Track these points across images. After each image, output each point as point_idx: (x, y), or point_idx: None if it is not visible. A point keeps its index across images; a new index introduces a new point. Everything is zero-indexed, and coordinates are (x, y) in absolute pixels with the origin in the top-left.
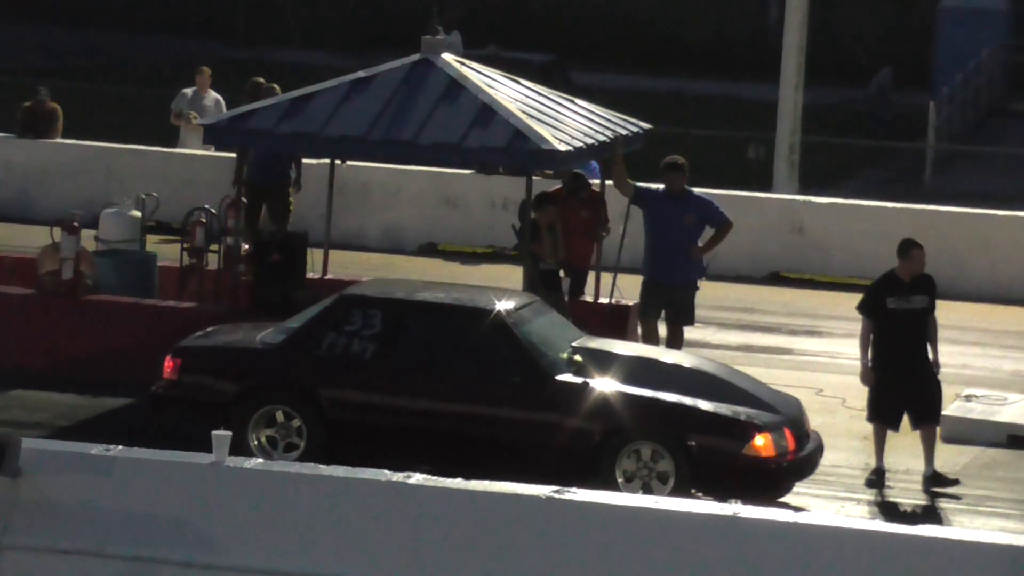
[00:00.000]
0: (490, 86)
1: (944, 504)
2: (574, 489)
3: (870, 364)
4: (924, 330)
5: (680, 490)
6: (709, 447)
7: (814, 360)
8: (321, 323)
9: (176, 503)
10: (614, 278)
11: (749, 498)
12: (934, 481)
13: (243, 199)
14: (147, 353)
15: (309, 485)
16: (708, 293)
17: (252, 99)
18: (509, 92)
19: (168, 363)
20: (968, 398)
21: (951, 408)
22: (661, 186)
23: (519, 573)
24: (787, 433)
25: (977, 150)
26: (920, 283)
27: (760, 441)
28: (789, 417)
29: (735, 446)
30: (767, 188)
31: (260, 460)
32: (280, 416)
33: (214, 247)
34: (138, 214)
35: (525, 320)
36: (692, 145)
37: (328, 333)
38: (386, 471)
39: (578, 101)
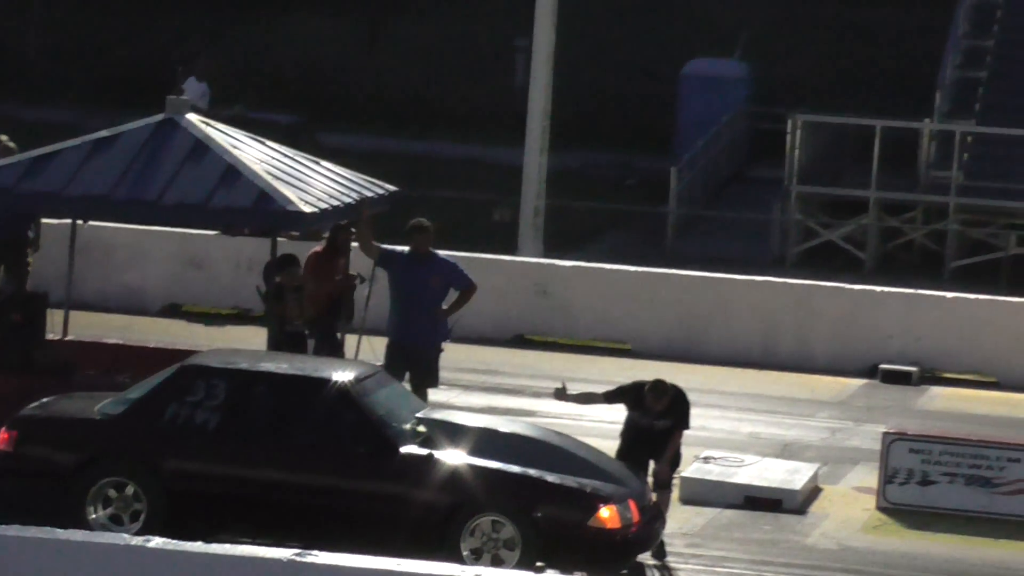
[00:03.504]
0: (235, 147)
1: (682, 565)
2: (316, 552)
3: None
4: (664, 442)
5: (526, 561)
6: (555, 518)
7: (557, 423)
8: (162, 393)
9: None
10: (359, 340)
11: (594, 569)
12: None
13: None
14: None
15: (40, 548)
16: (452, 355)
17: None
18: (255, 153)
19: (3, 434)
20: (706, 460)
21: (689, 470)
22: (407, 248)
23: None
24: (631, 505)
25: (718, 215)
26: (669, 412)
27: (606, 513)
28: (633, 489)
29: (581, 517)
30: (512, 251)
31: None
32: (117, 490)
33: None
34: None
35: (369, 391)
36: (438, 207)
37: (170, 403)
38: (125, 535)
39: (324, 163)
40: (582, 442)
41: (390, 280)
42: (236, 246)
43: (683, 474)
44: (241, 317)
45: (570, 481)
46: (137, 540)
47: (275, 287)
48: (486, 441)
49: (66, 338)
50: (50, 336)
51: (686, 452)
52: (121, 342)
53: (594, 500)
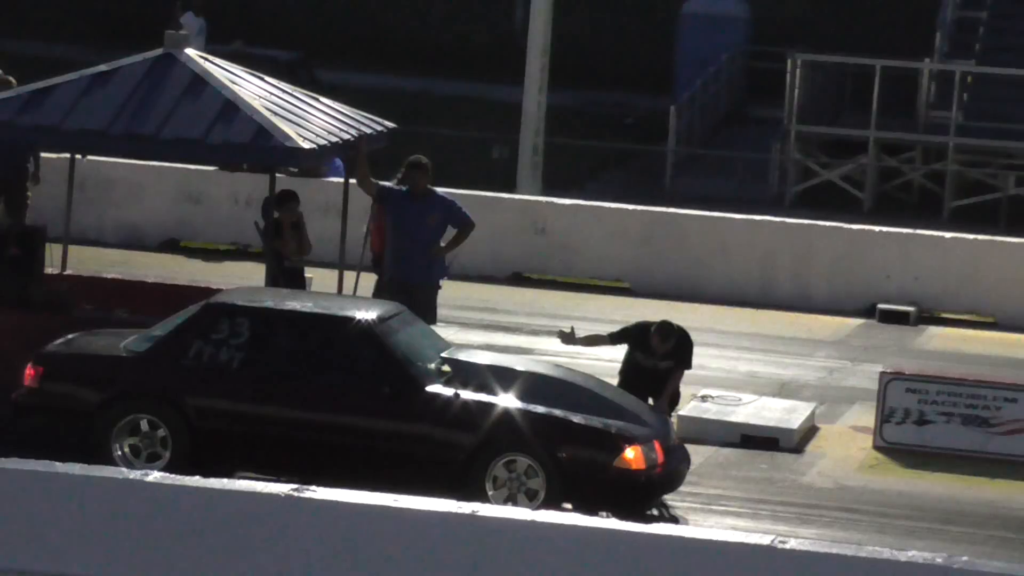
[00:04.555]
0: (234, 82)
1: (678, 503)
2: (314, 487)
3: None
4: (664, 380)
5: (550, 502)
6: (580, 459)
7: (555, 360)
8: (187, 331)
9: None
10: (357, 276)
11: (618, 510)
12: None
13: None
14: None
15: (43, 482)
16: (450, 292)
17: None
18: (253, 89)
19: (29, 370)
20: (703, 398)
21: (687, 408)
22: (404, 185)
23: (258, 568)
24: (656, 446)
25: (717, 154)
26: (673, 353)
27: (630, 454)
28: (658, 430)
29: (605, 458)
30: (511, 189)
31: None
32: (144, 425)
33: None
34: None
35: (394, 330)
36: (437, 145)
37: (195, 341)
38: (124, 469)
39: (323, 99)
40: (607, 383)
41: (387, 217)
42: (234, 181)
43: (680, 412)
44: (239, 252)
45: (595, 421)
46: (136, 474)
47: (273, 223)
48: (510, 381)
49: (64, 272)
50: (48, 270)
51: (684, 390)
52: (120, 277)
53: (619, 441)
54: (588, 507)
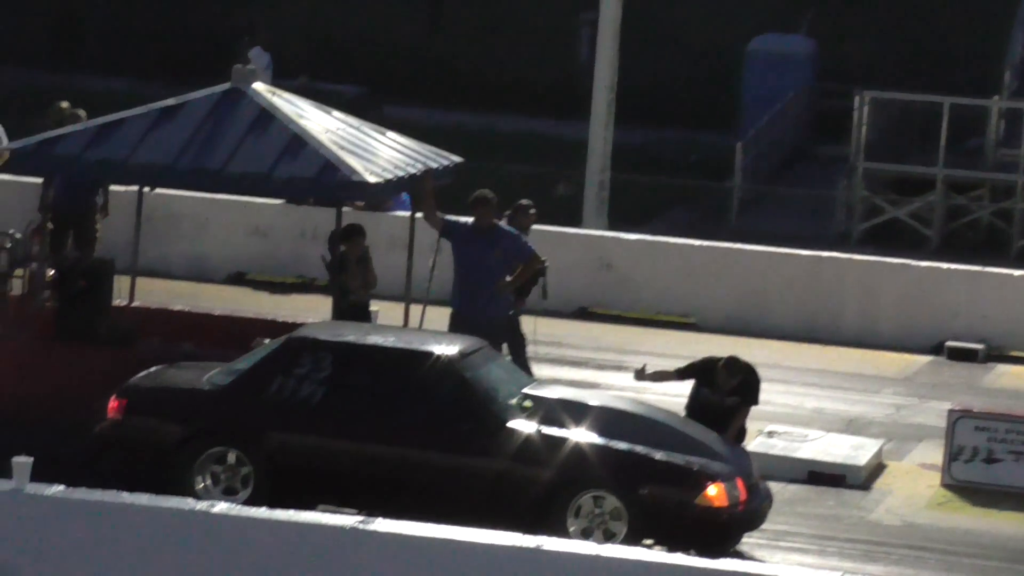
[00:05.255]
0: (301, 116)
1: (745, 539)
2: (380, 519)
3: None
4: (731, 417)
5: (631, 539)
6: (662, 496)
7: (621, 395)
8: (269, 365)
9: None
10: (423, 310)
11: (700, 549)
12: None
13: (49, 225)
14: None
15: (110, 513)
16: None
17: (56, 125)
18: (320, 123)
19: (113, 403)
20: (770, 434)
21: (753, 444)
22: (469, 220)
23: None
24: (739, 483)
25: (782, 191)
26: (740, 389)
27: (713, 491)
28: (740, 467)
29: (688, 496)
30: (576, 224)
31: (61, 487)
32: (225, 460)
33: (18, 273)
34: None
35: (476, 365)
36: (502, 180)
37: (276, 376)
38: (190, 500)
39: (389, 133)
40: (688, 419)
41: (453, 252)
42: (301, 215)
43: (747, 449)
44: (305, 286)
45: (677, 458)
46: (202, 505)
47: (339, 257)
48: (592, 417)
49: (132, 304)
50: (116, 303)
51: (750, 426)
52: (186, 309)
53: (701, 478)
54: (670, 545)
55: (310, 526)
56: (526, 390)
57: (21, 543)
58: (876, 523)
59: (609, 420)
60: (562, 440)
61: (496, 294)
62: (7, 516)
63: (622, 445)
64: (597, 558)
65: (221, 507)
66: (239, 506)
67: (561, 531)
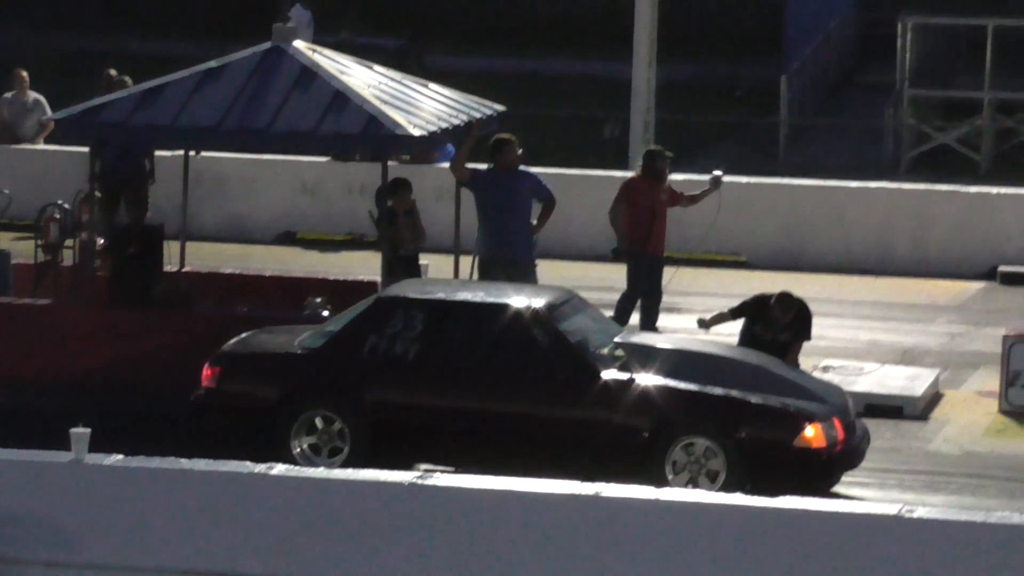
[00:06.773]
0: (343, 72)
1: None
2: (438, 474)
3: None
4: (784, 353)
5: (731, 483)
6: (759, 439)
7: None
8: (361, 325)
9: (37, 502)
10: (473, 261)
11: (800, 490)
12: None
13: (97, 193)
14: (2, 351)
15: (170, 480)
16: (566, 272)
17: (107, 92)
18: (362, 78)
19: (207, 371)
20: (825, 369)
21: None
22: (489, 164)
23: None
24: (836, 423)
25: (829, 122)
26: (792, 324)
27: (810, 432)
28: (837, 406)
29: (786, 438)
30: (624, 166)
31: (120, 456)
32: (321, 422)
33: (69, 242)
34: None
35: (567, 316)
36: (547, 125)
37: (369, 335)
38: (248, 463)
39: (432, 85)
40: (782, 361)
41: (478, 199)
42: (348, 172)
43: None
44: (356, 242)
45: (773, 401)
46: (261, 468)
47: (387, 211)
48: (686, 363)
49: (183, 269)
50: (168, 268)
51: (805, 362)
52: (238, 271)
53: (798, 419)
54: (769, 487)
55: (369, 484)
56: (617, 339)
57: (83, 514)
58: (935, 453)
59: (702, 365)
60: (657, 388)
61: (530, 234)
62: (67, 488)
63: (717, 390)
64: (656, 502)
65: (279, 469)
66: (296, 467)
67: (660, 479)
